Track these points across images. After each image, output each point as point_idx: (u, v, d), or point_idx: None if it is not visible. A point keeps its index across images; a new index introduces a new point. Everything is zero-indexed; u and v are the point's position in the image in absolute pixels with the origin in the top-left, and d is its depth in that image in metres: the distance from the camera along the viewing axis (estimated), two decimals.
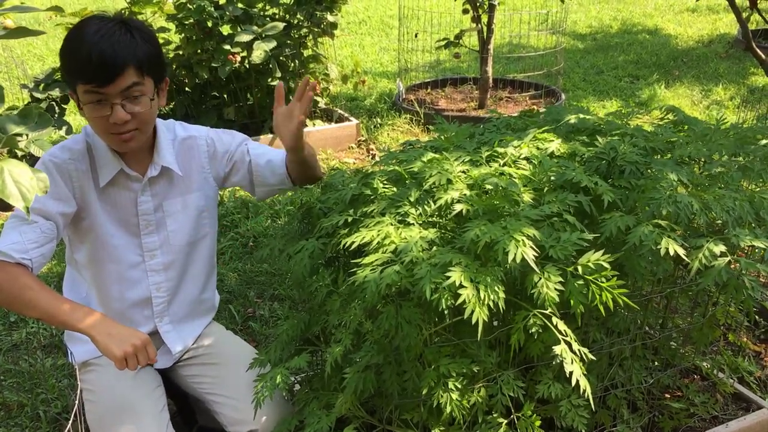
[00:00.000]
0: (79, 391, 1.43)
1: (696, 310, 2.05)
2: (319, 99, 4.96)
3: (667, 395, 2.18)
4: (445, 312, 1.47)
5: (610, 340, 1.86)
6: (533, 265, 1.45)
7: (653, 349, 2.09)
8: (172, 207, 1.89)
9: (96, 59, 1.60)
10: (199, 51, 4.35)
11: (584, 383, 1.50)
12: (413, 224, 1.65)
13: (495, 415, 1.65)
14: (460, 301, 1.43)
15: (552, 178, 1.74)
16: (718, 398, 2.19)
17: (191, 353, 2.00)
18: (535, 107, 5.48)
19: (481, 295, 1.44)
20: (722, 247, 1.62)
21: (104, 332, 1.59)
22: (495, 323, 1.78)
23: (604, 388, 1.93)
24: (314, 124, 4.87)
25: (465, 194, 1.66)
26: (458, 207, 1.62)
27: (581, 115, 2.03)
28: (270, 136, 4.63)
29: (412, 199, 1.70)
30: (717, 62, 6.74)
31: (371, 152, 4.77)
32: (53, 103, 4.15)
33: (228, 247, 3.47)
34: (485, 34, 5.35)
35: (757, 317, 2.70)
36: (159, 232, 1.88)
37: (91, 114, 1.67)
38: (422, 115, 5.25)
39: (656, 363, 2.09)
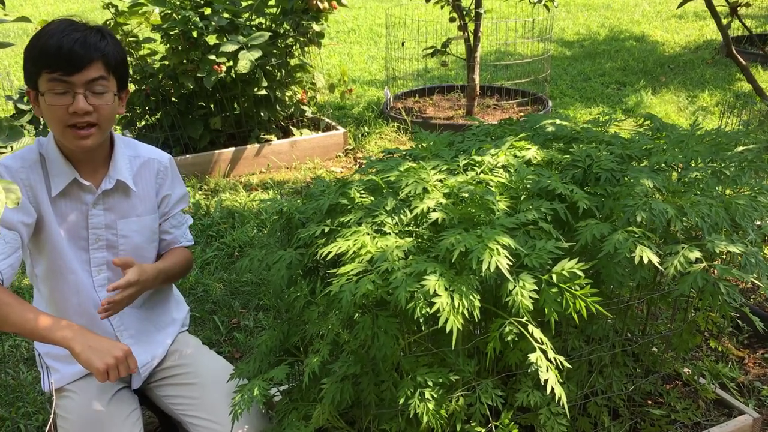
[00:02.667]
0: (53, 414, 1.43)
1: (676, 316, 2.06)
2: (306, 108, 4.97)
3: (650, 402, 2.18)
4: (421, 321, 1.47)
5: (589, 347, 1.86)
6: (507, 273, 1.45)
7: (634, 355, 2.09)
8: (127, 227, 1.87)
9: (67, 47, 1.63)
10: (184, 61, 4.35)
11: (559, 391, 1.50)
12: (389, 234, 1.65)
13: (473, 424, 1.65)
14: (434, 309, 1.42)
15: (528, 185, 1.74)
16: (700, 404, 2.19)
17: (165, 372, 1.96)
18: (522, 114, 5.50)
19: (456, 303, 1.44)
20: (697, 254, 1.63)
21: (85, 345, 1.57)
22: (477, 332, 1.78)
23: (584, 396, 1.93)
24: (301, 133, 4.88)
25: (441, 203, 1.66)
26: (434, 216, 1.62)
27: (558, 122, 2.04)
28: (257, 145, 4.63)
29: (388, 209, 1.69)
30: (703, 68, 6.78)
31: (359, 161, 4.78)
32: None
33: (213, 258, 3.46)
34: (472, 42, 5.37)
35: (740, 322, 2.70)
36: (109, 250, 1.86)
37: (52, 102, 1.66)
38: (410, 123, 5.26)
39: (637, 369, 2.09)
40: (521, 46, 7.37)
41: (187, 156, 4.45)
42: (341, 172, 4.60)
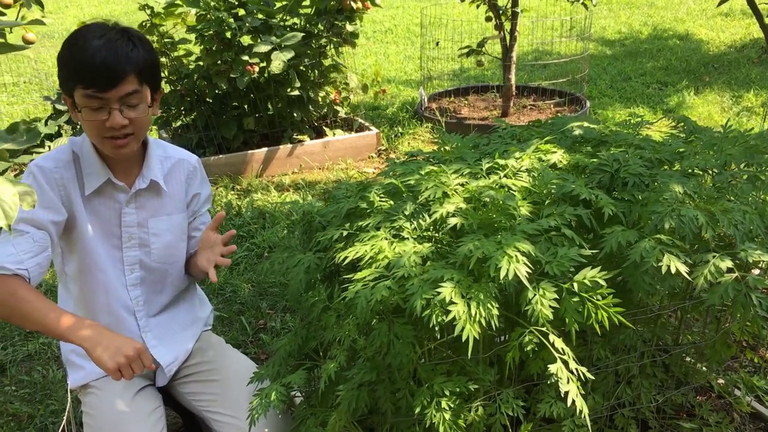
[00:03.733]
0: (67, 412, 1.43)
1: (709, 327, 1.98)
2: (339, 108, 4.95)
3: (681, 414, 2.10)
4: (436, 329, 1.43)
5: (616, 357, 1.80)
6: (525, 281, 1.41)
7: (664, 365, 2.02)
8: (158, 226, 1.88)
9: (99, 64, 1.62)
10: (218, 62, 4.37)
11: (581, 403, 1.45)
12: (407, 238, 1.61)
13: None
14: (450, 317, 1.39)
15: (552, 190, 1.69)
16: (734, 417, 2.11)
17: (189, 369, 1.97)
18: (559, 115, 5.40)
19: (473, 311, 1.40)
20: (729, 263, 1.56)
21: (97, 343, 1.57)
22: (503, 338, 1.73)
23: (611, 407, 1.87)
24: (334, 134, 4.86)
25: (460, 208, 1.62)
26: (453, 221, 1.58)
27: (587, 125, 1.98)
28: (290, 146, 4.63)
29: (407, 213, 1.66)
30: (749, 68, 6.58)
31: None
32: None
33: (243, 258, 3.47)
34: (508, 41, 5.30)
35: None
36: (141, 248, 1.87)
37: (88, 117, 1.67)
38: (444, 124, 5.21)
39: (668, 380, 2.02)
40: (559, 46, 7.25)
41: (221, 156, 4.48)
42: (373, 173, 4.58)
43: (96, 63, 1.62)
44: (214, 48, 4.35)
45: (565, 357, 1.49)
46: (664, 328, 1.98)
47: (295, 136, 4.74)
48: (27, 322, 1.62)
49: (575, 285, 1.45)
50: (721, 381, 2.15)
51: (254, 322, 2.98)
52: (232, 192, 4.34)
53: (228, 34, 4.35)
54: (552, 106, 5.64)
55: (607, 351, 1.79)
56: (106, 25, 1.71)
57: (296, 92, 4.55)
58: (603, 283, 1.42)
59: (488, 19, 5.41)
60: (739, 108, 5.51)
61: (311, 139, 4.78)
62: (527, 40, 7.55)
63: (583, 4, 5.21)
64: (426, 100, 5.74)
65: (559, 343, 1.49)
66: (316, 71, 4.72)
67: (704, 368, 2.06)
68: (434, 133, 5.19)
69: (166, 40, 4.40)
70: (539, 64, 6.87)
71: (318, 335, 1.79)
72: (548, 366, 1.49)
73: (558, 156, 1.82)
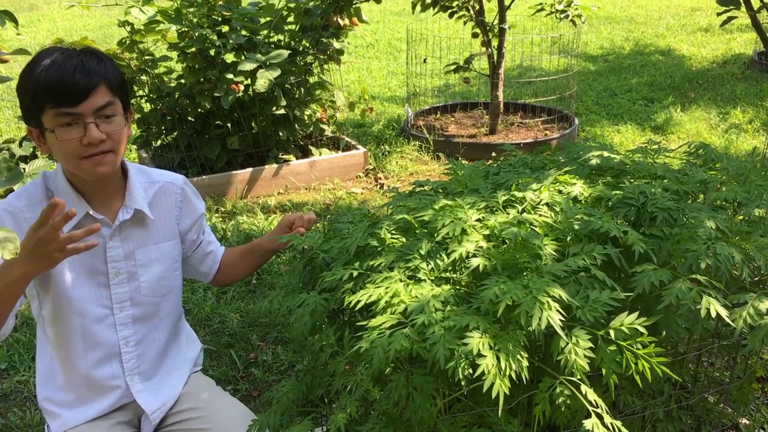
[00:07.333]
0: None
1: (736, 367, 1.88)
2: (325, 127, 4.83)
3: None
4: (463, 383, 1.31)
5: (642, 402, 1.69)
6: (560, 331, 1.29)
7: (688, 407, 1.92)
8: (145, 256, 1.76)
9: (68, 77, 1.52)
10: (201, 80, 4.23)
11: None
12: (425, 280, 1.49)
13: None
14: (479, 372, 1.27)
15: (576, 226, 1.58)
16: None
17: (177, 417, 1.83)
18: (547, 132, 5.34)
19: (502, 364, 1.28)
20: None
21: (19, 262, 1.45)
22: (518, 382, 1.62)
23: None
24: (320, 153, 4.74)
25: (481, 246, 1.51)
26: (475, 261, 1.47)
27: (605, 154, 1.87)
28: (275, 166, 4.49)
29: (423, 252, 1.54)
30: (734, 83, 6.58)
31: (379, 181, 4.63)
32: None
33: (230, 286, 3.32)
34: (495, 58, 5.22)
35: None
36: (129, 283, 1.74)
37: (63, 137, 1.55)
38: (431, 142, 5.11)
39: (688, 421, 1.92)
40: (545, 62, 7.21)
41: (204, 177, 4.33)
42: (362, 194, 4.45)
43: (65, 78, 1.52)
44: (197, 66, 4.21)
45: (599, 410, 1.37)
46: (685, 366, 1.88)
47: (280, 156, 4.60)
48: None
49: (611, 332, 1.34)
50: (745, 421, 2.05)
51: (244, 355, 2.83)
52: (216, 215, 4.19)
53: (212, 52, 4.21)
54: (540, 123, 5.57)
55: (633, 395, 1.68)
56: (66, 48, 1.62)
57: (282, 111, 4.42)
58: (643, 330, 1.31)
59: (475, 35, 5.34)
60: (727, 125, 5.48)
61: (297, 158, 4.65)
62: (510, 56, 7.50)
63: (571, 21, 5.16)
64: (412, 117, 5.63)
65: (591, 395, 1.37)
66: (302, 89, 4.59)
67: (728, 411, 1.96)
68: (422, 151, 5.08)
69: (146, 57, 4.25)
70: (525, 81, 6.81)
71: (324, 382, 1.66)
72: (579, 417, 1.37)
73: (579, 188, 1.72)
